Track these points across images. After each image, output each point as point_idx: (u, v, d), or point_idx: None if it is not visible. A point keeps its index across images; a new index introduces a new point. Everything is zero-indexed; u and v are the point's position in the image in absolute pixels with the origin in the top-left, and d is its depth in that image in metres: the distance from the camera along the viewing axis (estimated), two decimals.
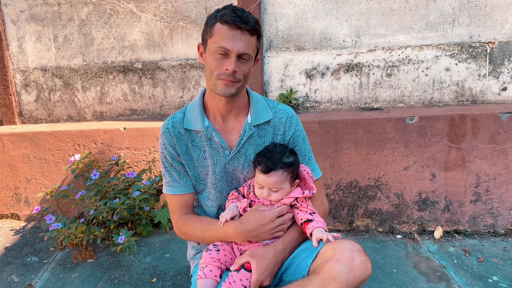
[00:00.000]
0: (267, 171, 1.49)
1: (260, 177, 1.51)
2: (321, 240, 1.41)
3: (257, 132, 1.62)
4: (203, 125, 1.59)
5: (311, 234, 1.46)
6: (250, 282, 1.41)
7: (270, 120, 1.63)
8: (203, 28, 1.52)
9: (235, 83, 1.47)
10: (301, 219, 1.51)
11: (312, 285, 1.29)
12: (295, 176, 1.56)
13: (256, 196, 1.56)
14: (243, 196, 1.62)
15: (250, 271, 1.42)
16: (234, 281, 1.40)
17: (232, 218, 1.54)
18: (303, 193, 1.54)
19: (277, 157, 1.51)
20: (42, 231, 2.97)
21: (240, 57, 1.44)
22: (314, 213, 1.53)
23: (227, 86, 1.47)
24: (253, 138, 1.62)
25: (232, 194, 1.64)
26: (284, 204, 1.53)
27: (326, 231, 1.46)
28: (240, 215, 1.56)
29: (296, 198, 1.53)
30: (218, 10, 1.47)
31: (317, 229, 1.45)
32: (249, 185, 1.60)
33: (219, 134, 1.60)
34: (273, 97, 3.26)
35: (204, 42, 1.52)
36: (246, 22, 1.41)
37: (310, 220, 1.49)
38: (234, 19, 1.40)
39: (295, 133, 1.66)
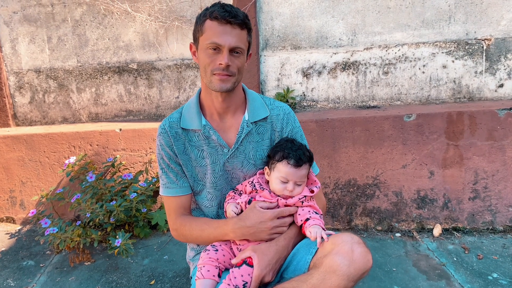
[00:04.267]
0: (299, 164, 1.49)
1: (289, 171, 1.49)
2: (319, 238, 1.40)
3: (255, 129, 1.62)
4: (200, 124, 1.58)
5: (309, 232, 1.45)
6: (251, 277, 1.39)
7: (267, 117, 1.63)
8: (194, 27, 1.53)
9: (230, 77, 1.47)
10: (301, 220, 1.50)
11: (312, 279, 1.29)
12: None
13: (262, 192, 1.53)
14: (240, 194, 1.61)
15: (252, 266, 1.40)
16: (235, 277, 1.38)
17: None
18: (313, 191, 1.54)
19: (304, 150, 1.53)
20: (38, 234, 2.94)
21: (232, 51, 1.45)
22: (314, 212, 1.52)
23: (223, 81, 1.47)
24: (251, 135, 1.61)
25: (229, 195, 1.63)
26: (293, 203, 1.51)
27: (323, 229, 1.44)
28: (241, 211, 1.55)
29: (305, 196, 1.52)
30: (207, 8, 1.48)
31: (313, 226, 1.44)
32: (252, 182, 1.58)
33: (217, 132, 1.59)
34: (270, 96, 3.23)
35: (195, 40, 1.53)
36: (236, 16, 1.43)
37: (308, 219, 1.48)
38: (223, 14, 1.42)
39: (292, 130, 1.67)
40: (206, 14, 1.45)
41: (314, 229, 1.42)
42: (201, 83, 1.60)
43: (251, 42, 1.55)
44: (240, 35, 1.46)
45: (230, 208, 1.55)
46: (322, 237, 1.38)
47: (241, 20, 1.44)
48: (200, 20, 1.48)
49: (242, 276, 1.39)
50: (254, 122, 1.61)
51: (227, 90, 1.50)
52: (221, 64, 1.43)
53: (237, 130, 1.61)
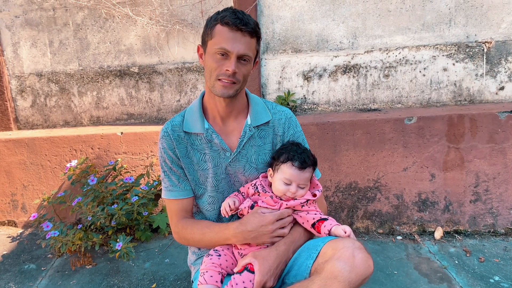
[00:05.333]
0: (304, 166, 1.51)
1: (293, 173, 1.50)
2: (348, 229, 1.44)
3: (257, 133, 1.62)
4: (203, 127, 1.58)
5: (328, 232, 1.47)
6: (253, 284, 1.39)
7: (269, 121, 1.64)
8: (203, 30, 1.53)
9: (234, 84, 1.48)
10: (313, 219, 1.51)
11: (314, 285, 1.28)
12: None
13: (265, 195, 1.54)
14: (243, 197, 1.61)
15: (253, 272, 1.40)
16: (237, 284, 1.38)
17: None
18: (315, 195, 1.55)
19: (308, 154, 1.55)
20: (39, 237, 2.94)
21: (240, 58, 1.45)
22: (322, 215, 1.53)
23: (226, 88, 1.47)
24: (254, 139, 1.62)
25: (233, 194, 1.63)
26: (293, 206, 1.52)
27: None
28: (242, 215, 1.56)
29: (307, 200, 1.53)
30: (218, 12, 1.47)
31: (335, 227, 1.46)
32: (255, 184, 1.58)
33: (219, 136, 1.59)
34: (270, 99, 3.25)
35: (204, 43, 1.52)
36: (247, 24, 1.42)
37: (325, 219, 1.50)
38: (235, 21, 1.41)
39: (294, 134, 1.67)
40: (217, 19, 1.45)
41: (339, 228, 1.45)
42: (205, 86, 1.60)
43: (259, 50, 1.55)
44: (250, 43, 1.46)
45: (227, 201, 1.55)
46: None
47: (252, 28, 1.44)
48: (211, 24, 1.47)
49: (243, 282, 1.39)
50: (256, 126, 1.61)
51: (229, 97, 1.50)
52: (228, 70, 1.43)
53: (239, 134, 1.61)
